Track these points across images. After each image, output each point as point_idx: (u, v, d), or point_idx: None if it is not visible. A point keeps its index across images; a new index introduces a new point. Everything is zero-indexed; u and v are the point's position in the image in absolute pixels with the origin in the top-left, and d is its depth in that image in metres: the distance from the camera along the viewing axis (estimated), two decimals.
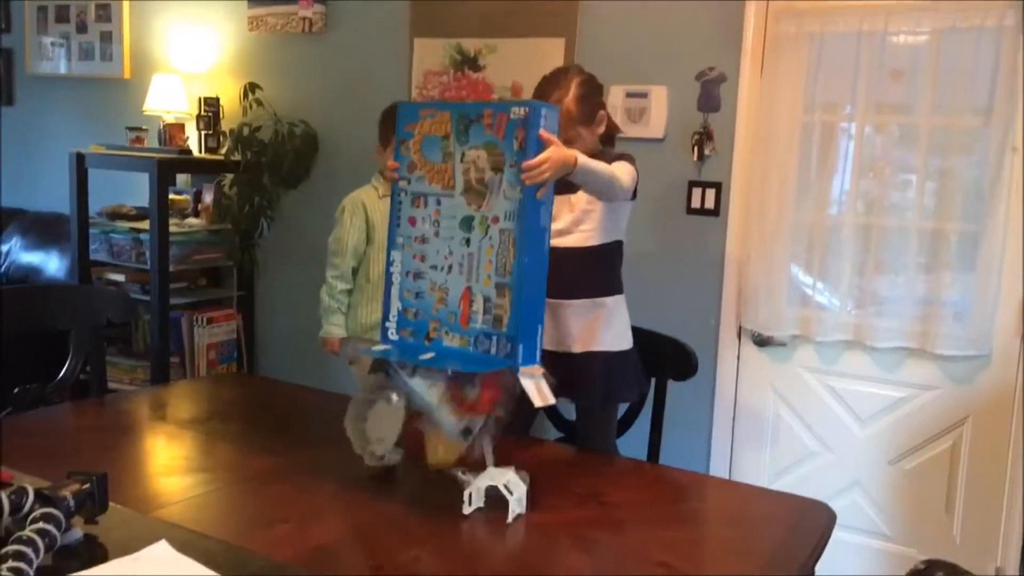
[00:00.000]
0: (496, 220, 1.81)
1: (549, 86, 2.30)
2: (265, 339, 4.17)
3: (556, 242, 2.22)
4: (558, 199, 2.27)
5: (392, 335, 1.97)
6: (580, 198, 2.30)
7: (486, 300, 1.82)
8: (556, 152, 1.81)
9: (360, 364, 2.92)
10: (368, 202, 2.84)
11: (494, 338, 1.81)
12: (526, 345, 1.80)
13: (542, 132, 1.79)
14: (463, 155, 1.85)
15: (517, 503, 1.69)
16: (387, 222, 2.42)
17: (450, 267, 1.88)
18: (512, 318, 1.79)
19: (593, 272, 2.35)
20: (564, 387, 2.31)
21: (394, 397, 1.82)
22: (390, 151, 2.58)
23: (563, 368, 2.29)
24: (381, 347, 1.97)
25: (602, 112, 2.34)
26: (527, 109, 1.77)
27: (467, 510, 1.67)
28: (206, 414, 2.41)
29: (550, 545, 1.62)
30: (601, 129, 2.35)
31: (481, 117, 1.82)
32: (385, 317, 1.98)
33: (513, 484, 1.67)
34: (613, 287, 2.39)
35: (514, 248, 1.79)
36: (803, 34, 2.85)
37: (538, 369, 1.82)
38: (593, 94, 2.32)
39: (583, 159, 1.97)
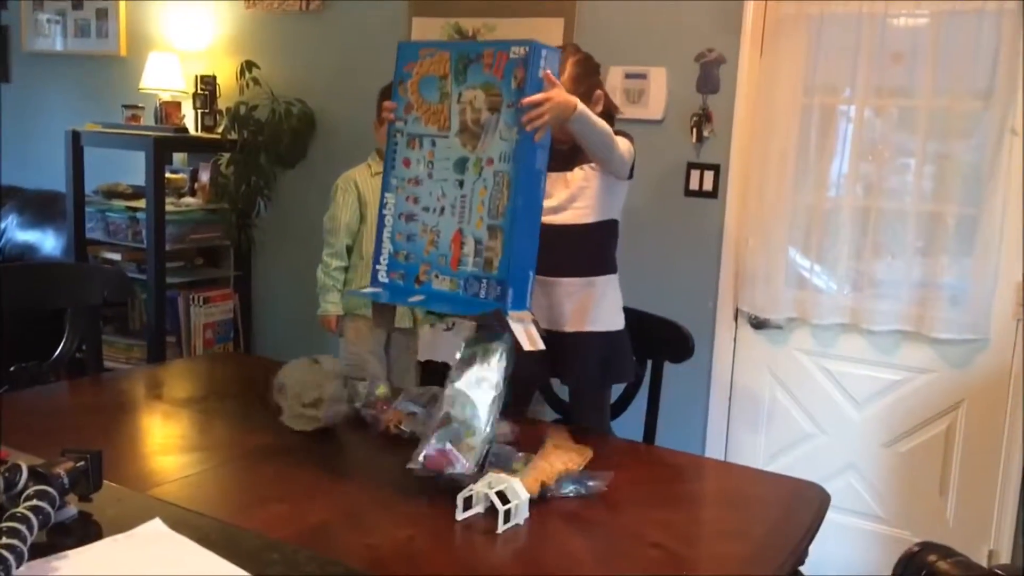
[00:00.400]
0: (491, 162, 1.79)
1: None
2: (262, 319, 4.16)
3: (550, 219, 2.23)
4: (553, 176, 2.27)
5: (382, 277, 1.95)
6: (576, 175, 2.30)
7: (477, 242, 1.80)
8: (557, 93, 1.80)
9: (347, 336, 2.92)
10: (360, 180, 2.86)
11: (484, 281, 1.79)
12: (516, 289, 1.78)
13: (545, 72, 1.77)
14: (460, 95, 1.82)
15: (514, 512, 1.59)
16: (378, 198, 2.43)
17: (442, 209, 1.85)
18: (503, 261, 1.77)
19: (586, 250, 2.33)
20: (557, 368, 2.34)
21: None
22: (387, 128, 2.58)
23: (555, 348, 2.29)
24: (371, 289, 1.96)
25: (599, 91, 2.33)
26: (527, 48, 1.74)
27: (461, 516, 1.60)
28: (202, 393, 2.41)
29: (545, 525, 1.62)
30: (599, 108, 2.33)
31: (481, 56, 1.79)
32: (376, 260, 1.96)
33: (512, 492, 1.60)
34: (606, 266, 2.37)
35: (508, 190, 1.76)
36: (803, 16, 2.84)
37: (527, 315, 1.81)
38: (589, 73, 2.31)
39: (583, 107, 1.95)
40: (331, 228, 2.88)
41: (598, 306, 2.34)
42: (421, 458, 1.71)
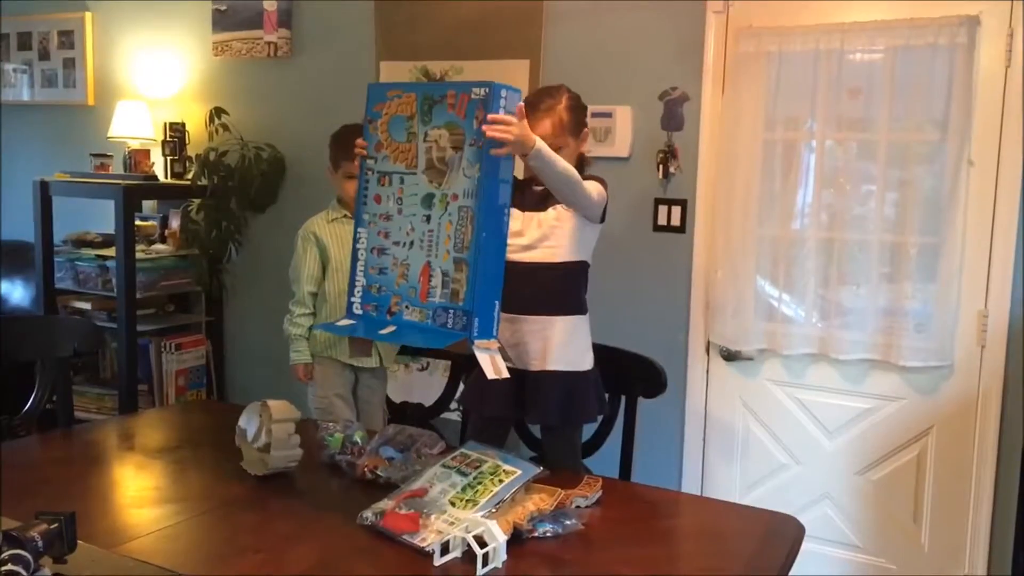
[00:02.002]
0: (455, 197, 1.86)
1: (542, 94, 2.39)
2: (234, 364, 4.14)
3: (519, 256, 2.30)
4: (527, 216, 2.33)
5: (356, 309, 2.03)
6: (548, 215, 2.33)
7: (444, 275, 1.87)
8: (522, 125, 1.88)
9: (316, 379, 2.91)
10: (318, 228, 2.89)
11: (451, 311, 1.86)
12: (482, 318, 1.83)
13: (519, 106, 1.87)
14: (426, 134, 1.91)
15: (492, 555, 1.59)
16: (339, 243, 2.50)
17: (411, 243, 1.94)
18: (468, 292, 1.83)
19: (554, 289, 2.36)
20: (522, 407, 2.35)
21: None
22: (340, 174, 2.61)
23: (520, 385, 2.32)
24: (345, 322, 2.03)
25: (586, 130, 2.43)
26: (487, 89, 1.82)
27: (439, 561, 1.60)
28: (175, 443, 2.39)
29: (523, 567, 1.62)
30: (584, 147, 2.43)
31: (444, 97, 1.88)
32: (350, 292, 2.04)
33: (489, 535, 1.60)
34: (574, 307, 2.39)
35: (472, 224, 1.83)
36: (762, 53, 2.90)
37: (493, 343, 1.86)
38: (581, 110, 2.41)
39: (543, 146, 2.02)
40: (294, 278, 2.92)
41: (563, 346, 2.36)
42: (371, 515, 1.76)
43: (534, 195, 2.38)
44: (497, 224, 1.86)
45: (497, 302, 1.88)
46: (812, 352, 2.96)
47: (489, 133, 1.81)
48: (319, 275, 2.88)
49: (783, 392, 3.06)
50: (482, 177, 1.82)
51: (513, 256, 2.33)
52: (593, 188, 2.28)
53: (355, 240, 2.04)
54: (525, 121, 1.93)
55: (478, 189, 1.83)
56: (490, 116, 1.81)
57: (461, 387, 2.74)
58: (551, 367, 2.35)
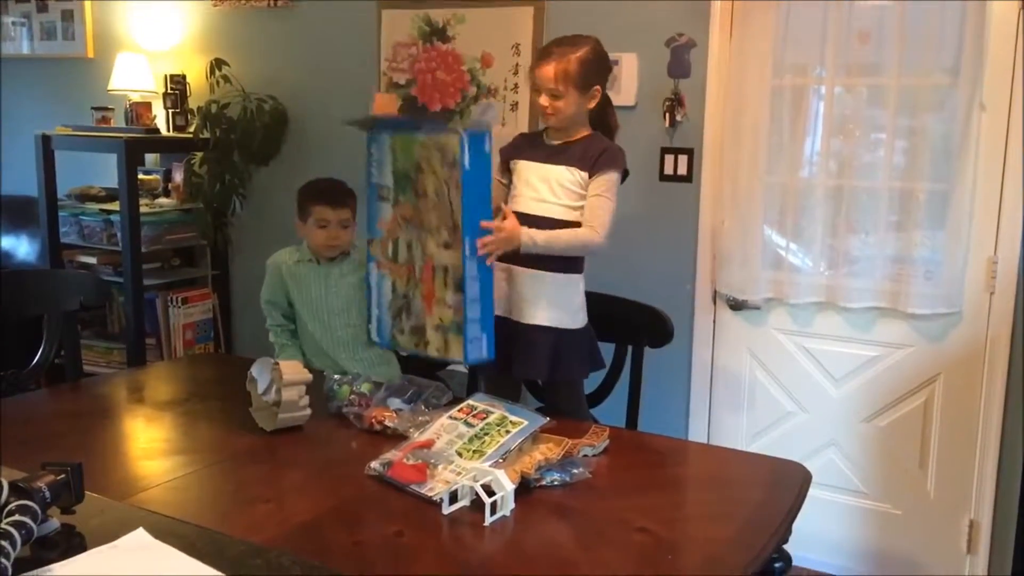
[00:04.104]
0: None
1: (563, 41, 2.37)
2: (241, 317, 4.15)
3: (523, 208, 2.34)
4: (536, 167, 2.36)
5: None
6: (559, 173, 2.34)
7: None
8: (509, 224, 2.19)
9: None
10: (285, 265, 2.67)
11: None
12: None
13: (505, 209, 2.25)
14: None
15: (500, 503, 1.61)
16: (304, 288, 2.60)
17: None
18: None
19: None
20: (509, 361, 2.35)
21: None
22: (310, 224, 2.54)
23: (509, 336, 2.33)
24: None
25: (597, 88, 2.37)
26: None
27: (447, 510, 1.62)
28: (184, 395, 2.40)
29: (531, 516, 1.63)
30: (592, 104, 2.37)
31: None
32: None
33: (497, 484, 1.62)
34: (568, 265, 2.38)
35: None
36: None
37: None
38: (598, 68, 2.36)
39: (529, 241, 2.22)
40: (263, 304, 2.74)
41: (552, 302, 2.36)
42: (378, 466, 1.76)
43: (546, 149, 2.36)
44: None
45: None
46: (819, 301, 2.95)
47: (481, 253, 2.13)
48: (285, 305, 2.68)
49: (790, 341, 3.06)
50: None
51: (518, 207, 2.33)
52: (597, 221, 2.30)
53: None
54: (509, 219, 2.21)
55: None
56: (479, 241, 2.12)
57: None
58: (538, 321, 2.36)
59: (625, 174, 2.38)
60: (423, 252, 2.25)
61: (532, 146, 2.44)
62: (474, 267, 2.15)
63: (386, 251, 2.35)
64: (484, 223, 2.15)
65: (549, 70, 2.29)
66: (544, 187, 2.35)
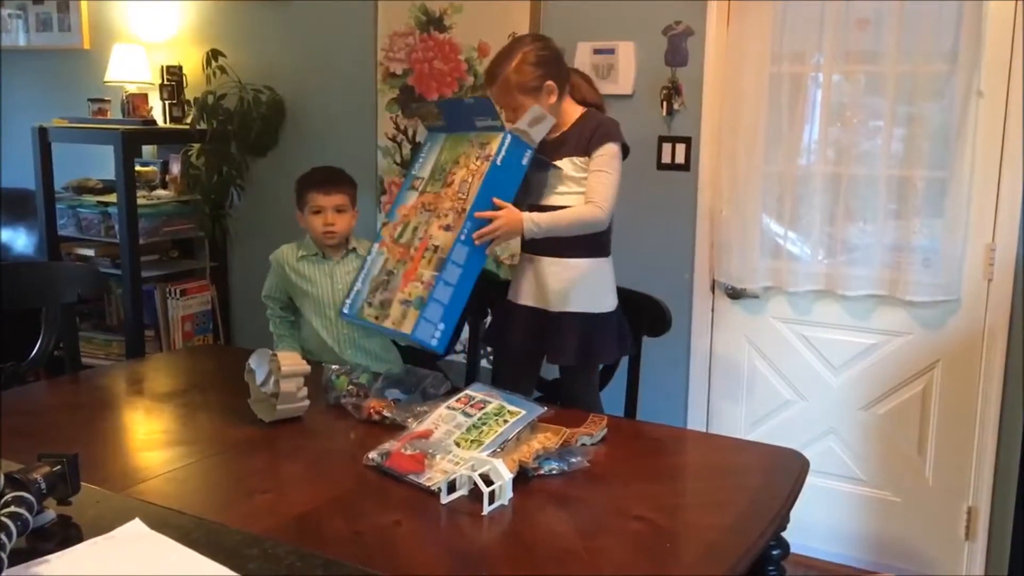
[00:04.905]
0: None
1: (496, 60, 2.37)
2: (240, 309, 4.15)
3: (544, 199, 2.38)
4: (561, 163, 2.35)
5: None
6: (564, 164, 2.35)
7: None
8: (506, 214, 2.17)
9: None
10: (287, 261, 2.67)
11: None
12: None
13: (494, 199, 2.17)
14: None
15: (499, 493, 1.61)
16: (308, 284, 2.61)
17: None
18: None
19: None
20: (543, 346, 2.39)
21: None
22: (307, 212, 2.55)
23: (541, 325, 2.36)
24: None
25: (550, 83, 2.34)
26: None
27: (446, 499, 1.62)
28: (184, 386, 2.40)
29: (529, 504, 1.64)
30: (552, 99, 2.35)
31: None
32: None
33: (495, 474, 1.62)
34: (593, 250, 2.40)
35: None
36: None
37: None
38: (539, 65, 2.33)
39: (532, 225, 2.22)
40: (263, 298, 2.75)
41: (579, 288, 2.37)
42: (376, 456, 1.77)
43: (547, 145, 2.37)
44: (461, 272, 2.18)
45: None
46: (818, 289, 2.95)
47: (478, 243, 2.14)
48: (285, 299, 2.70)
49: (788, 329, 3.06)
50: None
51: (538, 198, 2.35)
52: (599, 196, 2.30)
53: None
54: (508, 209, 2.18)
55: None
56: (476, 234, 2.14)
57: (467, 331, 2.75)
58: (570, 308, 2.38)
59: (625, 149, 2.38)
60: (425, 233, 2.24)
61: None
62: (463, 253, 2.14)
63: (394, 233, 2.35)
64: (478, 214, 2.15)
65: (495, 92, 2.34)
66: (557, 183, 2.38)
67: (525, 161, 2.21)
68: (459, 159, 2.28)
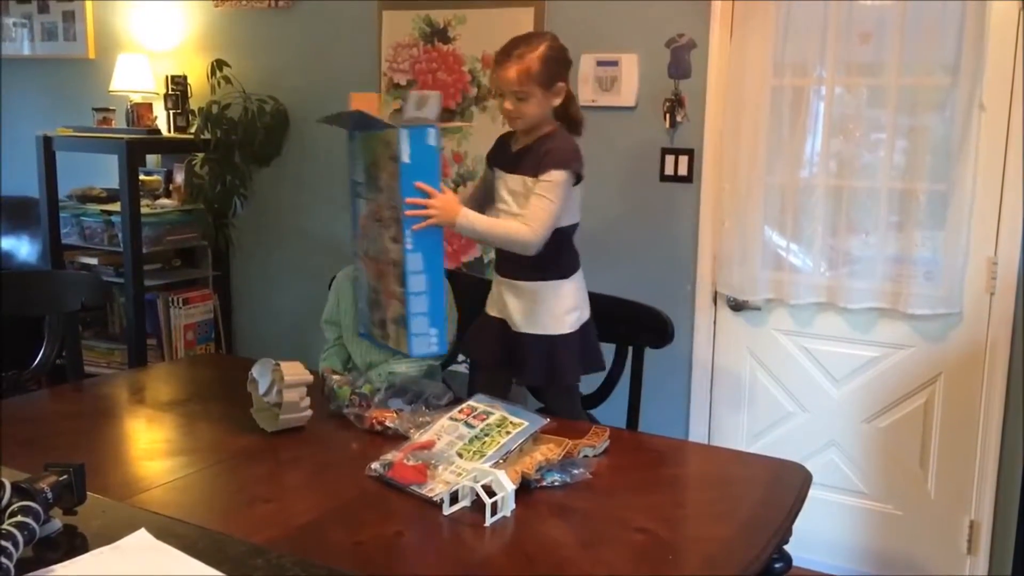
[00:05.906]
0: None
1: (519, 41, 2.30)
2: (242, 318, 4.15)
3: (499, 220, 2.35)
4: (505, 176, 2.33)
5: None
6: (516, 182, 2.31)
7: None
8: (438, 200, 2.08)
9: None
10: (343, 283, 2.67)
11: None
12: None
13: (418, 184, 2.07)
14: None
15: (501, 504, 1.61)
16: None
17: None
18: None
19: (527, 256, 2.28)
20: (512, 360, 2.38)
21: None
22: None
23: (508, 340, 2.37)
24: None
25: (562, 84, 2.32)
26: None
27: (448, 510, 1.62)
28: (185, 396, 2.40)
29: (531, 516, 1.64)
30: (557, 101, 2.32)
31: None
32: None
33: (497, 485, 1.62)
34: (553, 272, 2.36)
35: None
36: None
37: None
38: (559, 63, 2.32)
39: (464, 221, 2.15)
40: (324, 320, 2.71)
41: (540, 311, 2.37)
42: (379, 467, 1.77)
43: (510, 156, 2.35)
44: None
45: None
46: (820, 301, 2.95)
47: (408, 213, 2.04)
48: (338, 320, 2.68)
49: (790, 341, 3.06)
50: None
51: (499, 215, 2.35)
52: (535, 221, 2.21)
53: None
54: (446, 194, 2.11)
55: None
56: (412, 227, 2.05)
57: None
58: (530, 330, 2.37)
59: (578, 177, 2.29)
60: (383, 247, 2.20)
61: (503, 151, 2.43)
62: (418, 261, 2.09)
63: (363, 247, 2.31)
64: (409, 212, 2.06)
65: (511, 72, 2.23)
66: (510, 199, 2.34)
67: (432, 141, 2.09)
68: (377, 160, 2.19)
